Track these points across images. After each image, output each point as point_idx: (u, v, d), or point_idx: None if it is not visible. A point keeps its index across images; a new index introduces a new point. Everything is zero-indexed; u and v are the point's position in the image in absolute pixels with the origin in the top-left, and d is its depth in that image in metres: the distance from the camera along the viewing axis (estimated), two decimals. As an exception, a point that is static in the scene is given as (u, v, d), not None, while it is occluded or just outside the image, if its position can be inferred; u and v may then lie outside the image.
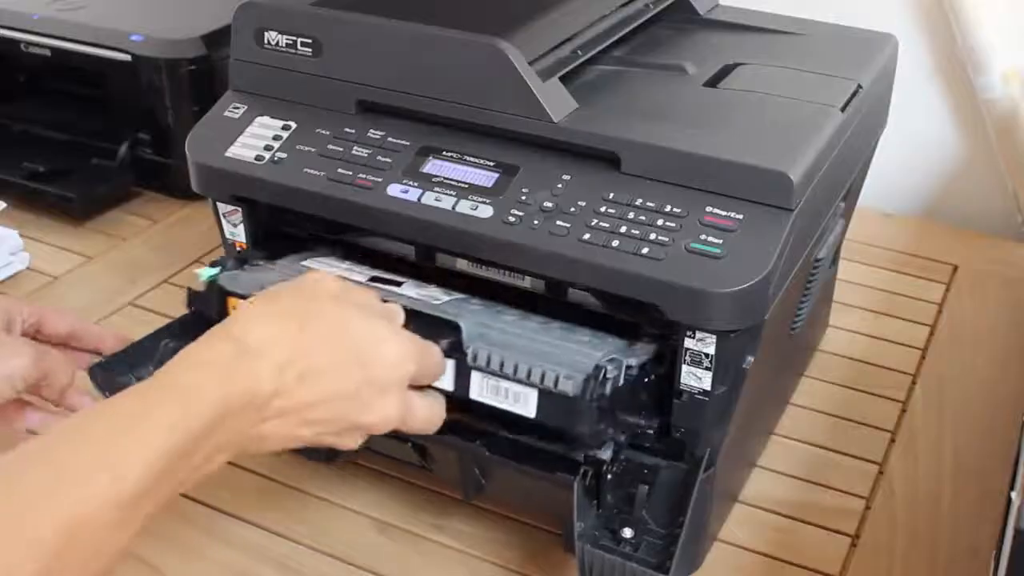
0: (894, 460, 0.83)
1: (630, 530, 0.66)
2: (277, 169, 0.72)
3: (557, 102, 0.68)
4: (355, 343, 0.57)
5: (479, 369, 0.63)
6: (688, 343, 0.64)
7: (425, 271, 0.73)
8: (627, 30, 0.79)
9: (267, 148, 0.73)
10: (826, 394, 0.90)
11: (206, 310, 0.69)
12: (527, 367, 0.62)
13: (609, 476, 0.67)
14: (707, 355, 0.64)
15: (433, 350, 0.62)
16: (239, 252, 0.78)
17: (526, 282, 0.70)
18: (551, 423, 0.63)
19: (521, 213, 0.66)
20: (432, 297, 0.70)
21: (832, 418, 0.87)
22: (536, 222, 0.65)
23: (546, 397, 0.62)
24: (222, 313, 0.67)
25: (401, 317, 0.62)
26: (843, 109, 0.71)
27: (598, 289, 0.65)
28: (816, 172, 0.65)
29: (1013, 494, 0.59)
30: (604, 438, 0.64)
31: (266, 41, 0.74)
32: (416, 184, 0.68)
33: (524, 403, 0.63)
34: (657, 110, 0.71)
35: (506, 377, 0.63)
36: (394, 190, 0.69)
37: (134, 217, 1.15)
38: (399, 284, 0.72)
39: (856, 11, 0.96)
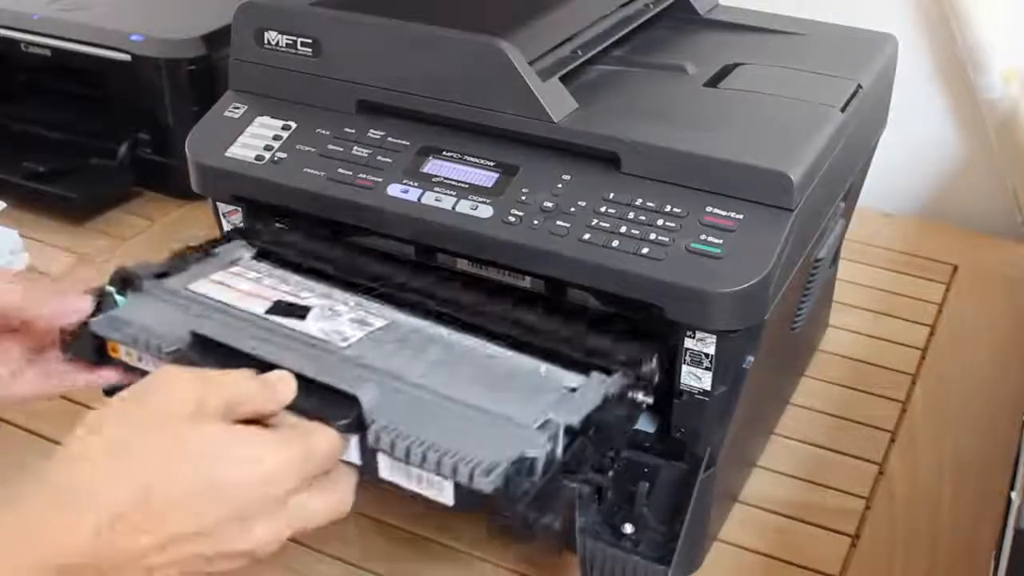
0: (894, 460, 0.83)
1: (631, 526, 0.66)
2: (277, 169, 0.72)
3: (557, 102, 0.68)
4: (210, 474, 0.49)
5: (384, 452, 0.54)
6: (688, 343, 0.64)
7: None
8: (627, 30, 0.79)
9: (267, 148, 0.73)
10: (826, 394, 0.90)
11: (83, 356, 0.63)
12: (437, 456, 0.53)
13: (610, 473, 0.67)
14: (707, 355, 0.64)
15: (322, 440, 0.53)
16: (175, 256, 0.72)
17: (526, 282, 0.70)
18: (474, 512, 0.54)
19: (521, 213, 0.66)
20: (340, 334, 0.63)
21: (832, 418, 0.87)
22: (536, 222, 0.65)
23: (463, 490, 0.53)
24: (103, 357, 0.63)
25: (285, 400, 0.54)
26: (843, 109, 0.71)
27: (598, 289, 0.65)
28: (816, 172, 0.65)
29: (1013, 494, 0.59)
30: (545, 522, 0.54)
31: (266, 41, 0.74)
32: (416, 184, 0.68)
33: (440, 490, 0.54)
34: (657, 110, 0.71)
35: (414, 465, 0.54)
36: (394, 190, 0.69)
37: (134, 217, 1.15)
38: (303, 314, 0.64)
39: (856, 11, 0.96)
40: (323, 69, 0.73)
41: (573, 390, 0.60)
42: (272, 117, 0.74)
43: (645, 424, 0.71)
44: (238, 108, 0.75)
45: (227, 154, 0.73)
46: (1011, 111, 1.10)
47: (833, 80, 0.75)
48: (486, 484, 0.52)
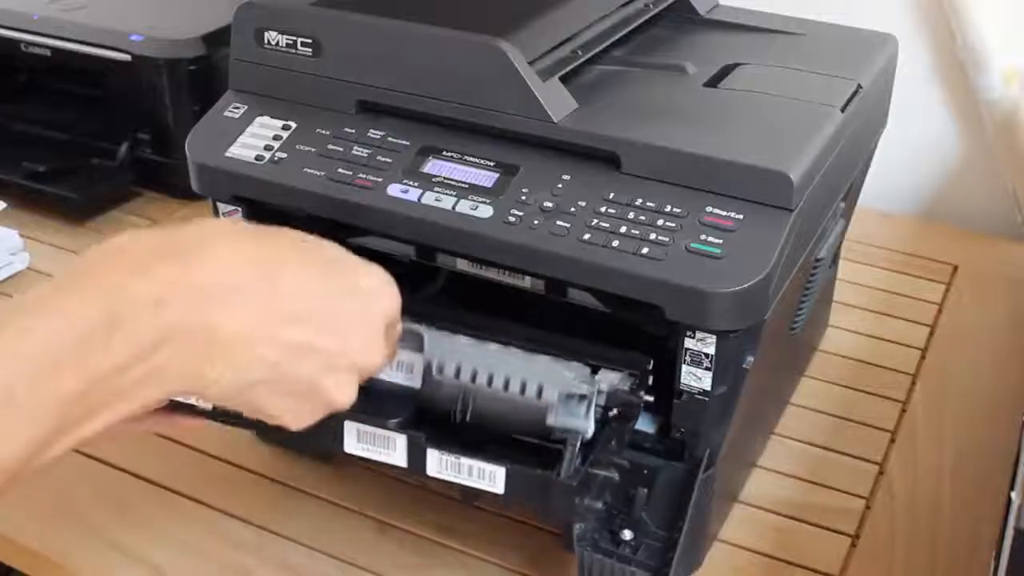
0: (894, 460, 0.83)
1: (629, 532, 0.66)
2: (277, 169, 0.72)
3: (557, 102, 0.67)
4: (333, 266, 0.54)
5: (435, 447, 0.59)
6: (688, 343, 0.64)
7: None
8: (627, 30, 0.79)
9: (267, 148, 0.73)
10: (826, 394, 0.90)
11: None
12: (520, 380, 0.59)
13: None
14: (707, 355, 0.64)
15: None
16: None
17: (526, 282, 0.70)
18: (522, 502, 0.59)
19: (521, 213, 0.65)
20: None
21: (832, 418, 0.87)
22: (536, 222, 0.65)
23: (515, 477, 0.57)
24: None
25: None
26: (843, 109, 0.71)
27: (598, 289, 0.65)
28: (816, 172, 0.65)
29: (1013, 494, 0.59)
30: (587, 508, 0.61)
31: (266, 41, 0.74)
32: (416, 184, 0.68)
33: (492, 480, 0.59)
34: (657, 110, 0.71)
35: (498, 393, 0.60)
36: (394, 190, 0.69)
37: (134, 217, 1.15)
38: None
39: (856, 11, 0.96)
40: (323, 69, 0.73)
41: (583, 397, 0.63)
42: (272, 117, 0.74)
43: (645, 424, 0.71)
44: (238, 108, 0.75)
45: (227, 154, 0.73)
46: (1011, 111, 1.10)
47: (833, 80, 0.75)
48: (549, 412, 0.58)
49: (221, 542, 0.75)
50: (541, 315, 0.70)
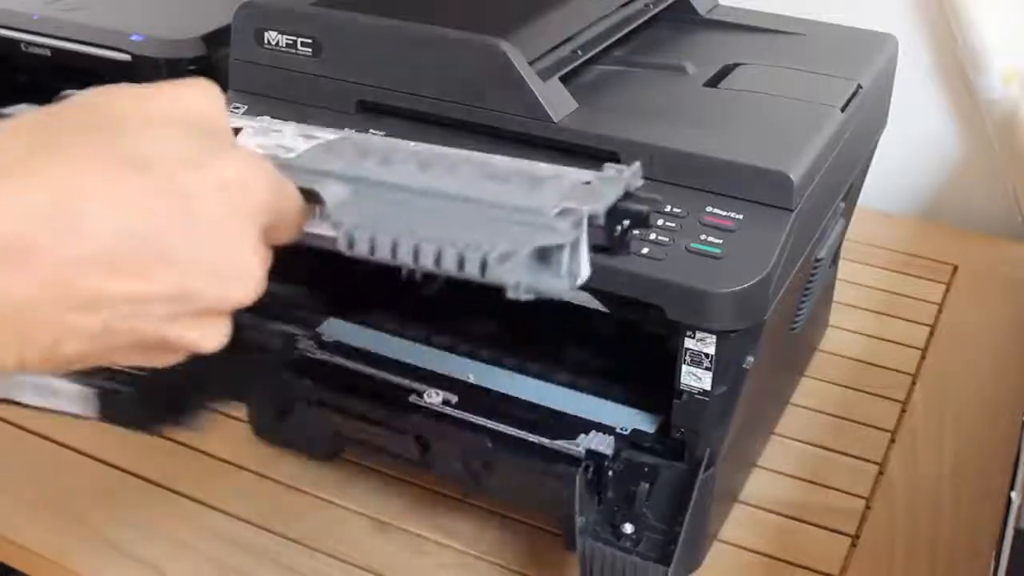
0: (894, 460, 0.83)
1: (631, 526, 0.66)
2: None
3: (557, 102, 0.67)
4: (160, 168, 0.38)
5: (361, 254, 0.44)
6: (688, 343, 0.64)
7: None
8: (627, 30, 0.79)
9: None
10: (826, 394, 0.90)
11: None
12: (433, 249, 0.43)
13: (610, 473, 0.67)
14: (707, 355, 0.64)
15: (289, 186, 0.44)
16: None
17: (526, 282, 0.69)
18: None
19: (521, 213, 0.65)
20: (283, 147, 0.51)
21: (832, 418, 0.87)
22: (536, 222, 0.65)
23: None
24: None
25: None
26: (843, 109, 0.71)
27: (598, 289, 0.65)
28: (816, 172, 0.65)
29: (1013, 494, 0.59)
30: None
31: (266, 41, 0.74)
32: (416, 184, 0.68)
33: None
34: (657, 110, 0.71)
35: (402, 261, 0.44)
36: (394, 190, 0.68)
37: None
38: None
39: (856, 11, 0.96)
40: (323, 69, 0.73)
41: (588, 183, 0.49)
42: (272, 117, 0.74)
43: (645, 424, 0.71)
44: (238, 108, 0.75)
45: (227, 154, 0.73)
46: (1011, 111, 1.10)
47: (833, 80, 0.75)
48: (506, 273, 0.42)
49: (220, 542, 0.75)
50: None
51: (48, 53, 1.16)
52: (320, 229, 0.45)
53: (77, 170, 0.37)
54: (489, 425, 0.69)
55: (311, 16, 0.73)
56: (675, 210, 0.63)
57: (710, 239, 0.62)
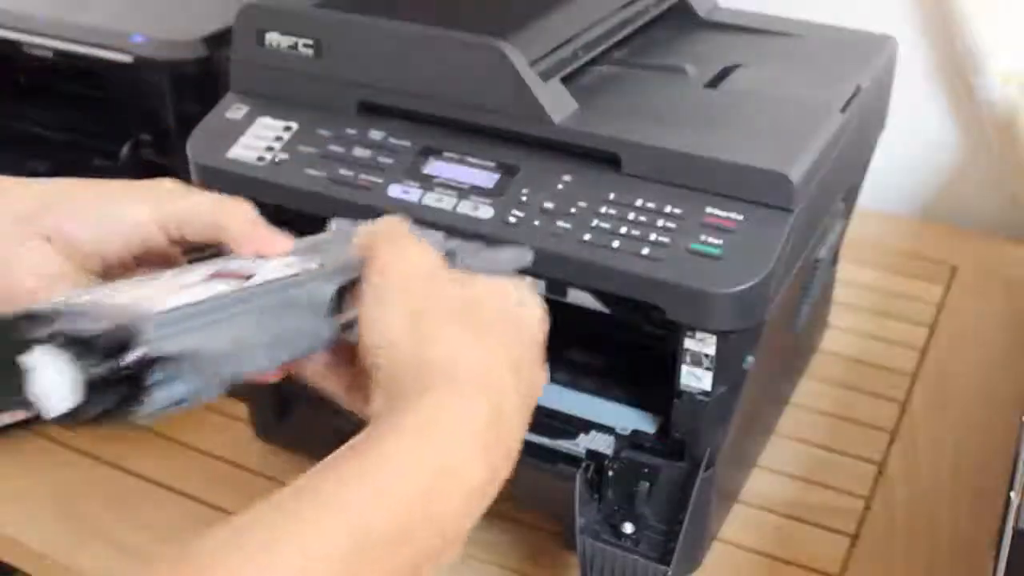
0: (894, 460, 0.83)
1: (631, 525, 0.66)
2: (278, 170, 0.72)
3: (558, 103, 0.68)
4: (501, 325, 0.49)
5: None
6: (688, 343, 0.65)
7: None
8: (628, 31, 0.79)
9: (268, 149, 0.73)
10: (826, 394, 0.90)
11: None
12: None
13: (610, 473, 0.67)
14: (707, 355, 0.65)
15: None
16: None
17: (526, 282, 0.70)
18: None
19: (522, 214, 0.66)
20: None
21: (832, 418, 0.88)
22: (537, 223, 0.65)
23: None
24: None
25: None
26: (843, 109, 0.71)
27: (598, 289, 0.66)
28: (816, 172, 0.65)
29: (1013, 494, 0.59)
30: None
31: (267, 42, 0.74)
32: (417, 185, 0.69)
33: None
34: (657, 111, 0.71)
35: None
36: (395, 191, 0.69)
37: (135, 218, 1.15)
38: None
39: (855, 13, 0.96)
40: (324, 70, 0.73)
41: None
42: (273, 118, 0.74)
43: (645, 424, 0.71)
44: (239, 109, 0.76)
45: (228, 155, 0.73)
46: (1010, 111, 1.10)
47: (833, 81, 0.75)
48: None
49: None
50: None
51: (50, 54, 1.16)
52: None
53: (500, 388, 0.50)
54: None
55: (312, 17, 0.73)
56: (675, 211, 0.64)
57: (710, 239, 0.62)
